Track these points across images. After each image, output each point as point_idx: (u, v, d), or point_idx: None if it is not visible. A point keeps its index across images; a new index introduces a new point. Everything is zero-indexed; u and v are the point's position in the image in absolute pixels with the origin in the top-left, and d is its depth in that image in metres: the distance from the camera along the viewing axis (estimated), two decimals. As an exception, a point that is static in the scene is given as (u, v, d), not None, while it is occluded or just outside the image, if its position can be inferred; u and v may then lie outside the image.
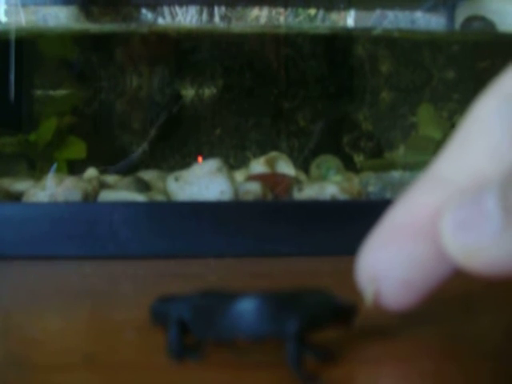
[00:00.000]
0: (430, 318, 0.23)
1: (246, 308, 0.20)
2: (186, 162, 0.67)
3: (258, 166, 0.57)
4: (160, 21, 0.73)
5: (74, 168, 0.64)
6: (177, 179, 0.49)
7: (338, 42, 0.73)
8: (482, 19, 0.71)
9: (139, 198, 0.48)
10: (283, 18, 0.75)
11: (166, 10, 0.73)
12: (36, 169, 0.65)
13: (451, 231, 0.18)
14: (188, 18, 0.73)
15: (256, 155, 0.69)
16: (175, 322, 0.21)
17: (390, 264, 0.21)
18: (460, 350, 0.22)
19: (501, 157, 0.19)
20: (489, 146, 0.19)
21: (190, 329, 0.21)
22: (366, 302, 0.21)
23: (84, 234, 0.44)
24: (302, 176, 0.59)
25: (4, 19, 0.70)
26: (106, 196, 0.49)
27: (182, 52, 0.72)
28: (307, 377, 0.18)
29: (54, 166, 0.55)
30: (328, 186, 0.50)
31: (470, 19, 0.72)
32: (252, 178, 0.54)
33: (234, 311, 0.20)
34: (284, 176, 0.55)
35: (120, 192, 0.49)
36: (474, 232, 0.17)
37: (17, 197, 0.51)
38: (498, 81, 0.20)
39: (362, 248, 0.22)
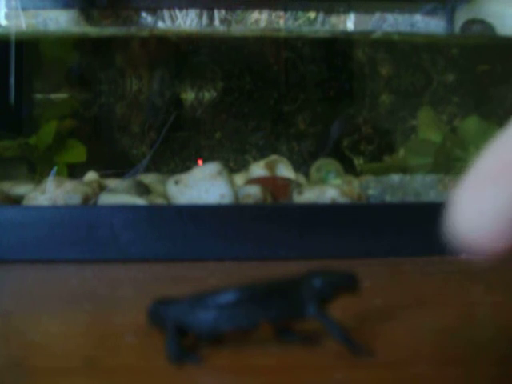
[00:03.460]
0: (432, 324, 0.23)
1: (264, 294, 0.22)
2: (186, 165, 0.67)
3: (258, 169, 0.57)
4: (160, 24, 0.74)
5: (74, 171, 0.64)
6: (177, 183, 0.49)
7: (338, 46, 0.73)
8: (482, 22, 0.71)
9: (139, 201, 0.48)
10: (283, 22, 0.75)
11: (166, 13, 0.73)
12: (36, 172, 0.65)
13: None
14: (188, 22, 0.73)
15: (256, 159, 0.69)
16: (172, 325, 0.21)
17: (480, 209, 0.21)
18: (464, 356, 0.22)
19: None
20: None
21: (192, 329, 0.21)
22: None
23: (84, 237, 0.44)
24: (302, 179, 0.59)
25: (4, 23, 0.70)
26: (106, 199, 0.49)
27: (181, 55, 0.72)
28: (354, 345, 0.21)
29: (54, 169, 0.55)
30: (328, 189, 0.50)
31: (469, 22, 0.72)
32: (252, 181, 0.54)
33: (255, 299, 0.22)
34: (284, 179, 0.55)
35: (120, 195, 0.49)
36: None
37: (17, 200, 0.51)
38: None
39: (455, 193, 0.22)
